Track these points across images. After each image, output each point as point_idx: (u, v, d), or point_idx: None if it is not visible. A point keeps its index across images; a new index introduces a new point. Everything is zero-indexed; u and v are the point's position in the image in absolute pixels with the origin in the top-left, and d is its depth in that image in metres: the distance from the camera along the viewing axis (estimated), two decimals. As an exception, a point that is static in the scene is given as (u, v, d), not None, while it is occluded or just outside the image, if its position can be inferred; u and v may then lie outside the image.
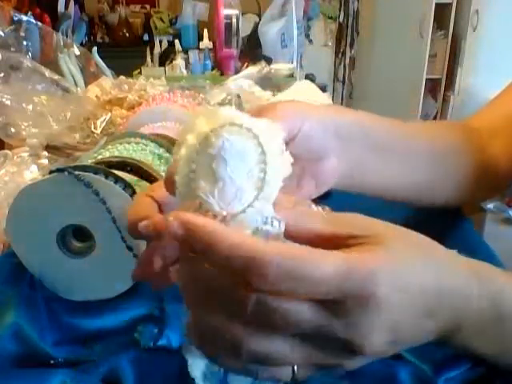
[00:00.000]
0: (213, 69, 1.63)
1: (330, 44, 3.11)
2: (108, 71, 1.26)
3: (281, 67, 1.44)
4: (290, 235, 0.26)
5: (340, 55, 3.08)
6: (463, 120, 0.58)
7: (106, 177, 0.41)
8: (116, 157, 0.46)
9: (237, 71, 1.52)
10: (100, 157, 0.48)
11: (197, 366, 0.33)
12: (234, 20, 1.55)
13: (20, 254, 0.43)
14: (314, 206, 0.53)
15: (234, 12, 1.56)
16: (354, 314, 0.24)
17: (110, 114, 0.89)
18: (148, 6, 3.13)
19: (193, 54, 1.66)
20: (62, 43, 1.17)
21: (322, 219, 0.27)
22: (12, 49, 1.00)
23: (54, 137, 0.76)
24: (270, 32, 1.85)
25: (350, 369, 0.27)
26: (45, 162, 0.69)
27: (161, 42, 1.82)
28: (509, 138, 0.54)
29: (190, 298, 0.27)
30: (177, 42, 1.71)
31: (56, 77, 0.90)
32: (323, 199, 0.61)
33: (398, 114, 0.47)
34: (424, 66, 2.51)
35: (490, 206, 1.73)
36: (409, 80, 2.63)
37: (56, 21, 1.76)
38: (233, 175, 0.23)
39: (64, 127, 0.79)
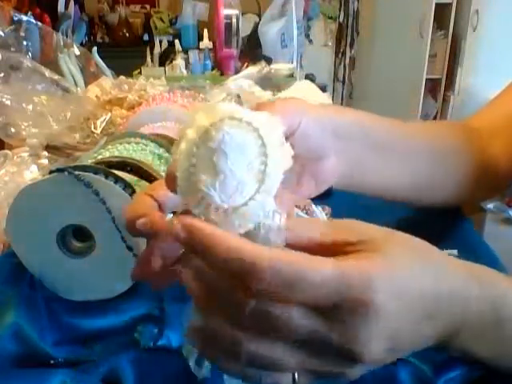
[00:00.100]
0: (213, 69, 1.63)
1: (330, 44, 3.11)
2: (108, 71, 1.26)
3: (281, 67, 1.44)
4: (289, 243, 0.26)
5: (340, 55, 3.08)
6: (463, 120, 0.58)
7: (106, 177, 0.41)
8: (116, 157, 0.46)
9: (237, 71, 1.52)
10: (100, 157, 0.48)
11: None
12: (234, 20, 1.55)
13: (20, 254, 0.43)
14: (313, 205, 0.53)
15: (234, 12, 1.56)
16: (351, 322, 0.24)
17: (109, 114, 0.89)
18: (148, 6, 3.13)
19: (193, 54, 1.66)
20: (62, 43, 1.17)
21: (320, 227, 0.27)
22: (12, 49, 1.00)
23: (54, 137, 0.76)
24: (270, 32, 1.84)
25: (352, 378, 0.27)
26: (45, 162, 0.69)
27: (161, 42, 1.82)
28: (509, 138, 0.54)
29: (194, 299, 0.27)
30: (177, 41, 1.71)
31: (56, 77, 0.90)
32: (323, 199, 0.61)
33: (398, 114, 0.47)
34: (424, 66, 2.51)
35: (490, 206, 1.73)
36: (409, 80, 2.63)
37: (56, 21, 1.76)
38: (234, 168, 0.23)
39: (64, 127, 0.79)
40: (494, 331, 0.30)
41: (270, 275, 0.23)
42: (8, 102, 0.76)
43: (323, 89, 1.59)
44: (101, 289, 0.43)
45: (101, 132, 0.83)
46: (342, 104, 3.01)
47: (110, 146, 0.51)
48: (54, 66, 1.06)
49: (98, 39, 3.04)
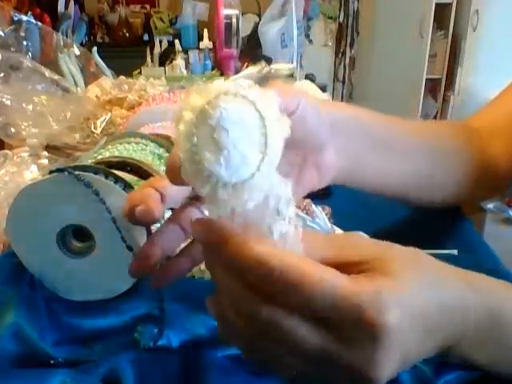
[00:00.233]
0: (213, 69, 1.63)
1: (330, 44, 3.11)
2: (108, 71, 1.26)
3: (281, 67, 1.43)
4: None
5: (340, 55, 3.08)
6: (463, 120, 0.58)
7: (106, 177, 0.41)
8: (116, 157, 0.46)
9: (237, 71, 1.52)
10: (100, 157, 0.47)
11: None
12: (234, 20, 1.55)
13: (20, 254, 0.43)
14: (313, 205, 0.53)
15: (234, 12, 1.56)
16: (364, 345, 0.24)
17: (109, 114, 0.89)
18: (148, 6, 3.13)
19: (193, 54, 1.67)
20: (62, 43, 1.17)
21: (320, 247, 0.27)
22: (12, 49, 1.00)
23: (54, 137, 0.76)
24: (270, 32, 1.84)
25: None
26: (45, 162, 0.69)
27: (161, 42, 1.82)
28: (509, 138, 0.54)
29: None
30: (177, 42, 1.71)
31: (56, 77, 0.90)
32: (323, 199, 0.61)
33: (398, 114, 0.47)
34: (424, 66, 2.51)
35: (490, 206, 1.73)
36: (409, 80, 2.63)
37: (56, 21, 1.76)
38: (236, 142, 0.23)
39: (64, 127, 0.79)
40: (493, 339, 0.30)
41: (279, 277, 0.24)
42: (8, 102, 0.76)
43: (323, 89, 1.59)
44: (101, 289, 0.43)
45: (101, 132, 0.83)
46: (341, 104, 3.01)
47: (109, 146, 0.51)
48: (54, 66, 1.06)
49: (98, 39, 3.04)
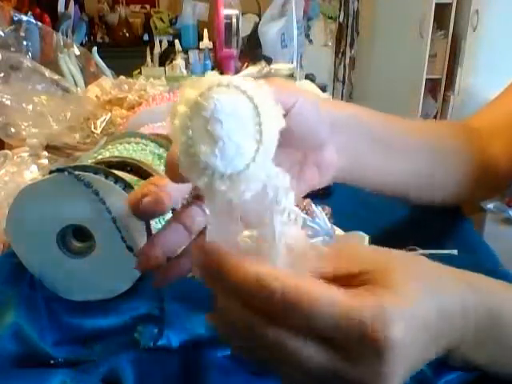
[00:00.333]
0: (213, 69, 1.63)
1: (330, 44, 3.11)
2: (108, 71, 1.26)
3: (281, 67, 1.43)
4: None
5: (340, 55, 3.08)
6: (463, 120, 0.58)
7: (106, 177, 0.41)
8: (116, 157, 0.46)
9: (237, 71, 1.52)
10: (100, 157, 0.47)
11: None
12: (234, 20, 1.55)
13: (20, 254, 0.43)
14: (313, 205, 0.53)
15: (234, 12, 1.56)
16: (371, 361, 0.24)
17: (109, 114, 0.89)
18: (148, 6, 3.13)
19: (193, 54, 1.67)
20: (62, 43, 1.17)
21: (318, 259, 0.27)
22: (12, 49, 1.00)
23: (54, 137, 0.76)
24: (270, 32, 1.84)
25: None
26: (45, 162, 0.69)
27: (161, 42, 1.82)
28: (509, 138, 0.54)
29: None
30: (177, 42, 1.71)
31: (56, 77, 0.90)
32: (323, 199, 0.61)
33: (397, 114, 0.47)
34: (424, 66, 2.51)
35: (490, 206, 1.73)
36: (409, 80, 2.63)
37: (56, 21, 1.76)
38: (230, 133, 0.23)
39: (64, 127, 0.79)
40: (492, 339, 0.30)
41: (280, 299, 0.23)
42: (8, 102, 0.76)
43: (323, 89, 1.59)
44: (101, 289, 0.43)
45: (101, 132, 0.83)
46: (341, 104, 3.01)
47: (109, 146, 0.51)
48: (54, 66, 1.06)
49: (98, 39, 3.04)
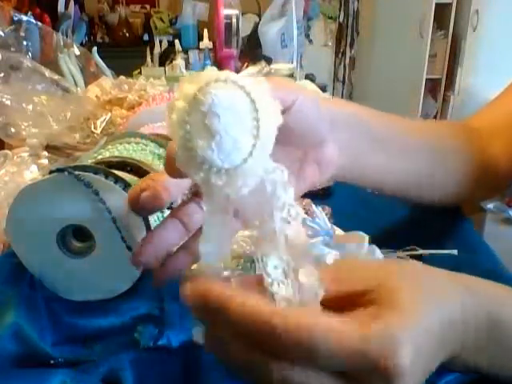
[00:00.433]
0: (213, 69, 1.63)
1: (330, 44, 3.11)
2: (108, 71, 1.26)
3: (281, 67, 1.43)
4: None
5: (340, 55, 3.08)
6: (463, 120, 0.58)
7: (106, 177, 0.41)
8: (116, 157, 0.46)
9: (237, 71, 1.52)
10: (100, 157, 0.48)
11: None
12: (234, 20, 1.55)
13: (20, 254, 0.43)
14: (313, 205, 0.53)
15: (234, 12, 1.56)
16: None
17: (109, 114, 0.89)
18: (148, 6, 3.13)
19: (193, 54, 1.67)
20: (62, 43, 1.17)
21: (323, 280, 0.26)
22: (12, 49, 1.00)
23: (54, 137, 0.76)
24: (270, 32, 1.84)
25: None
26: (45, 162, 0.69)
27: (161, 42, 1.82)
28: (509, 138, 0.54)
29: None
30: (177, 42, 1.71)
31: (56, 77, 0.90)
32: (323, 199, 0.61)
33: (397, 114, 0.47)
34: (424, 66, 2.51)
35: (490, 206, 1.73)
36: (409, 80, 2.63)
37: (56, 21, 1.76)
38: (227, 127, 0.23)
39: (64, 127, 0.79)
40: (492, 342, 0.30)
41: (280, 339, 0.23)
42: (8, 102, 0.76)
43: (323, 89, 1.59)
44: (101, 289, 0.43)
45: (101, 132, 0.83)
46: (342, 104, 3.01)
47: (110, 146, 0.51)
48: (54, 66, 1.06)
49: (98, 39, 3.04)
